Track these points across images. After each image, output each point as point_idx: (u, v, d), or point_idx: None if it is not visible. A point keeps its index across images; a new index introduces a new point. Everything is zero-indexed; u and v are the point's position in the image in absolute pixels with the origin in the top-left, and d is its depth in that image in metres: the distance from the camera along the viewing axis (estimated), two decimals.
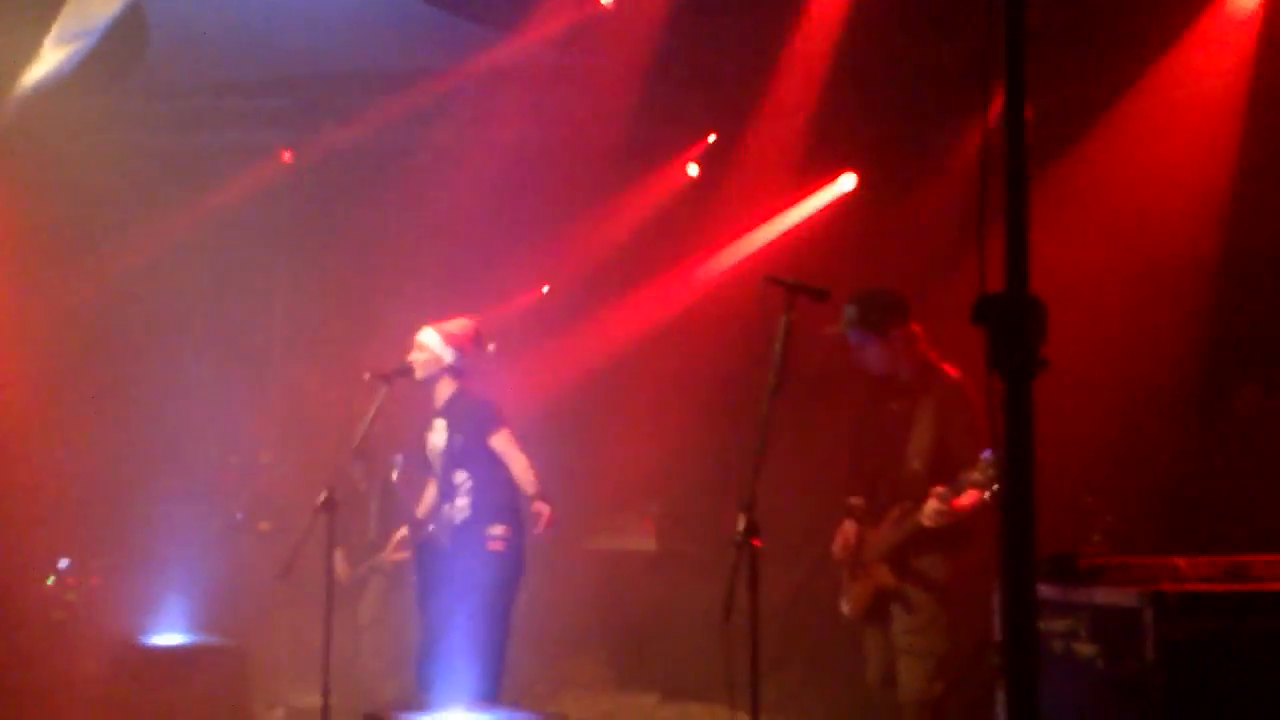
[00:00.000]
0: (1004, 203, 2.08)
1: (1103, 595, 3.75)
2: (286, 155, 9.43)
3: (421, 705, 5.10)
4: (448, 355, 5.64)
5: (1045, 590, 3.92)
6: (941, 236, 6.60)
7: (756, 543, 3.72)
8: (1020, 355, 2.03)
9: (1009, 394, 2.02)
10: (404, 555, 5.93)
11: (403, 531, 5.81)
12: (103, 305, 8.50)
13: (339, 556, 5.38)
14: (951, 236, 6.11)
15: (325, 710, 5.13)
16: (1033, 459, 2.00)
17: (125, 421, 8.41)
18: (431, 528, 5.52)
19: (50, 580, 7.84)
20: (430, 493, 5.81)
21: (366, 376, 5.58)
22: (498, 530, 5.42)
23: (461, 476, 5.53)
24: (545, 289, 9.54)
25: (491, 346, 5.77)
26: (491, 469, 5.53)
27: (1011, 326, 2.03)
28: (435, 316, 5.81)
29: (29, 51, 7.30)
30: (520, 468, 5.52)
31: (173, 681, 6.53)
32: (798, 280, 4.07)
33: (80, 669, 7.40)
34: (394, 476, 7.55)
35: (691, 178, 8.89)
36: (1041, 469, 2.01)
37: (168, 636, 7.03)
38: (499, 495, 5.51)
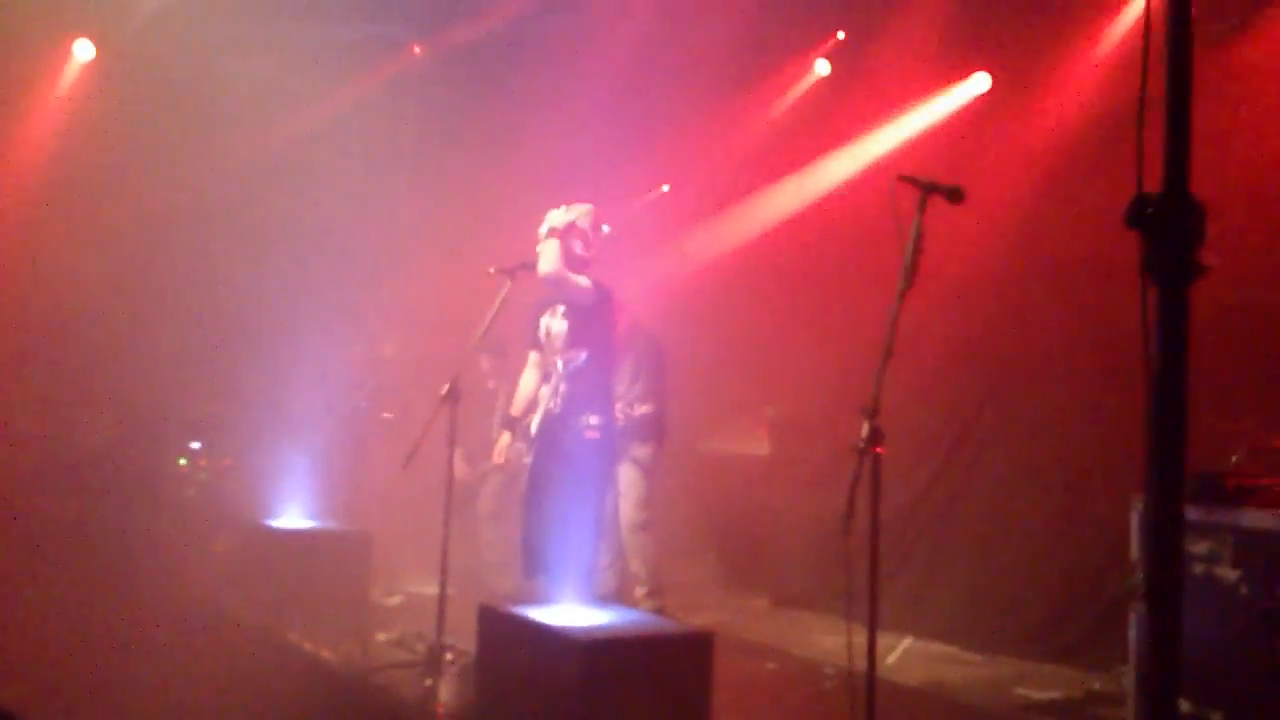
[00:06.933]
0: (1165, 96, 1.92)
1: (1250, 518, 3.60)
2: (416, 49, 9.40)
3: (535, 598, 5.13)
4: (576, 245, 5.56)
5: (1187, 510, 3.75)
6: (1081, 136, 6.31)
7: (879, 450, 3.62)
8: (1177, 260, 1.89)
9: (1163, 301, 1.89)
10: (503, 460, 5.84)
11: (505, 438, 5.73)
12: (233, 197, 8.61)
13: (459, 457, 5.35)
14: (1094, 136, 5.82)
15: (442, 600, 5.22)
16: (1185, 371, 1.88)
17: (254, 310, 8.57)
18: (545, 411, 5.45)
19: (182, 461, 8.10)
20: (527, 380, 5.74)
21: (491, 270, 5.53)
22: (593, 420, 5.39)
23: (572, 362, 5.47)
24: (665, 188, 9.41)
25: (606, 229, 5.66)
26: (599, 358, 5.47)
27: (1169, 229, 1.89)
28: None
29: None
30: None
31: (296, 564, 6.75)
32: (931, 179, 3.89)
33: (209, 546, 7.69)
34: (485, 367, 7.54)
35: (821, 76, 8.63)
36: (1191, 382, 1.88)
37: (293, 520, 7.26)
38: (600, 383, 5.47)
